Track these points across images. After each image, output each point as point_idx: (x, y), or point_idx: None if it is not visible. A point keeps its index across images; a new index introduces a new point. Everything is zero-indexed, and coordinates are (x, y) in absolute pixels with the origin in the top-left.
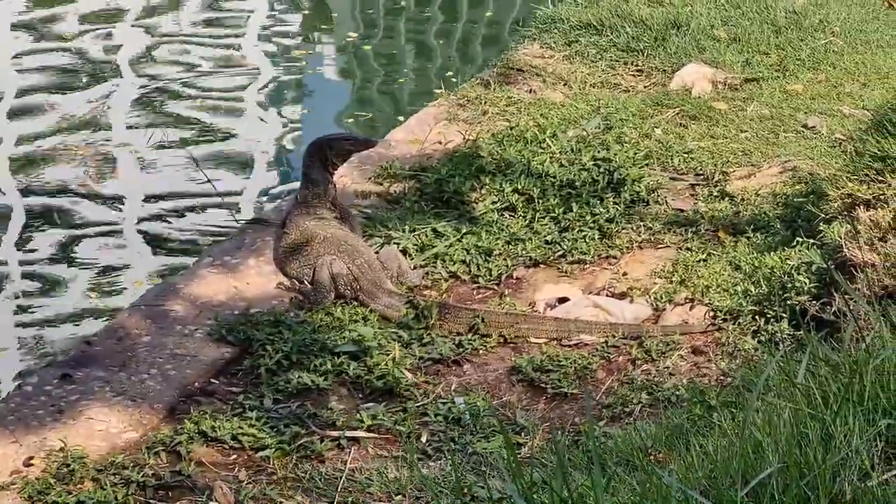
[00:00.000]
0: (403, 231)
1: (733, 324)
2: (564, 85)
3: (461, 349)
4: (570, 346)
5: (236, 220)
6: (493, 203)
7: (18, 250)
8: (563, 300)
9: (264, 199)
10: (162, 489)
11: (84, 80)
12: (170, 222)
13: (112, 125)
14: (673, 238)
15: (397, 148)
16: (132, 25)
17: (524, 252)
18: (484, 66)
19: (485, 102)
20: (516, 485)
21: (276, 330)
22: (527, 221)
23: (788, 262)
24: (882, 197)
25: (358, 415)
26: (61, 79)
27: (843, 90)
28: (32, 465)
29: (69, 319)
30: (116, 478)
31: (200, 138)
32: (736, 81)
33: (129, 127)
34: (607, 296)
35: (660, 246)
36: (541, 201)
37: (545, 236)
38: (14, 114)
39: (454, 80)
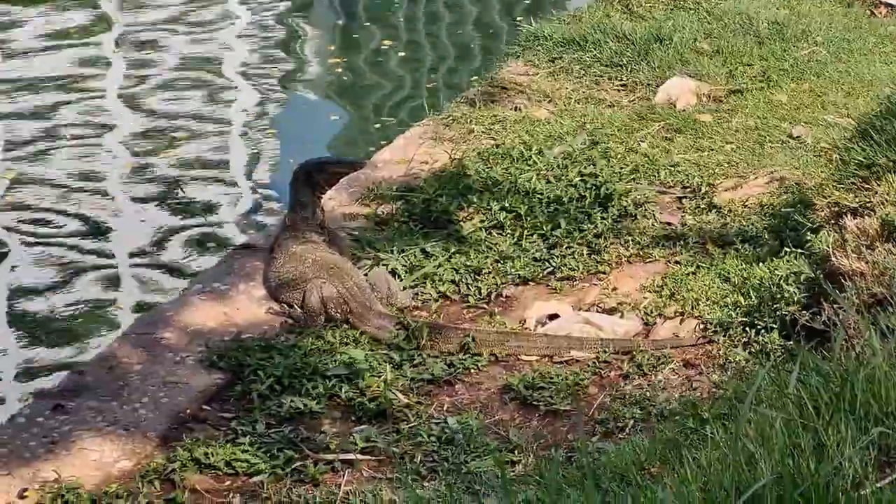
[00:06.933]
0: (392, 252)
1: (724, 336)
2: (549, 101)
3: (453, 369)
4: (561, 362)
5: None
6: (481, 222)
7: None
8: (553, 317)
9: (252, 223)
10: None
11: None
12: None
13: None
14: (661, 252)
15: (384, 169)
16: (114, 51)
17: (513, 270)
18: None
19: (470, 121)
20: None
21: (268, 355)
22: (515, 239)
23: (777, 272)
24: (868, 205)
25: (351, 437)
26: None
27: (827, 99)
28: (27, 496)
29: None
30: None
31: (185, 163)
32: (720, 93)
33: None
34: (597, 311)
35: (648, 260)
36: (528, 219)
37: (534, 253)
38: None
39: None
